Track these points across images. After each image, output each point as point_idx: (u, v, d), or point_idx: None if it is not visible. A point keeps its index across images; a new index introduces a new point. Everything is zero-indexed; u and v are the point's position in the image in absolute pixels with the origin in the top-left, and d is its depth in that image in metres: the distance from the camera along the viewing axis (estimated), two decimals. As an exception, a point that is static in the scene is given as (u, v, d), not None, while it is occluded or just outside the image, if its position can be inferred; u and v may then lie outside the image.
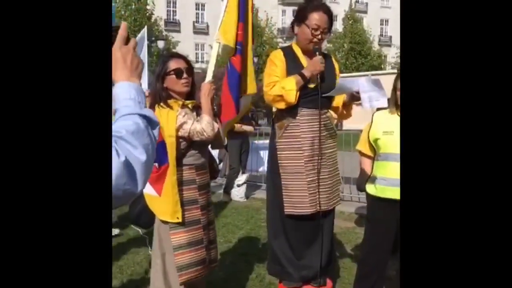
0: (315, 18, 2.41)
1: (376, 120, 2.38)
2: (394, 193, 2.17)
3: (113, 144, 0.75)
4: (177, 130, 2.01)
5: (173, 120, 2.00)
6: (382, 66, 29.68)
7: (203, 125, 2.02)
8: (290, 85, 2.37)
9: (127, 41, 0.95)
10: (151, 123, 0.86)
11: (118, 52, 0.93)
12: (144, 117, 0.85)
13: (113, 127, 0.81)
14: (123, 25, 0.95)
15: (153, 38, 21.88)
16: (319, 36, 2.43)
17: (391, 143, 2.23)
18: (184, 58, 2.19)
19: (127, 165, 0.74)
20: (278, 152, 2.56)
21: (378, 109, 2.78)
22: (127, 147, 0.76)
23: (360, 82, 2.38)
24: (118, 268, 3.30)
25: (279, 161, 2.55)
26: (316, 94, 2.43)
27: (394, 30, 36.61)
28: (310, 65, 2.41)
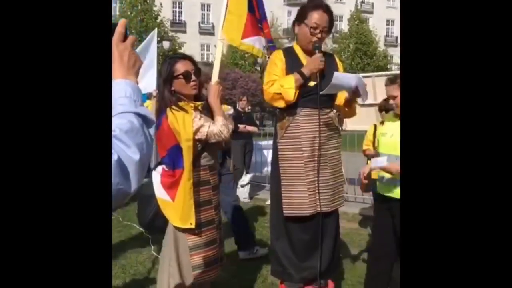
0: (315, 17, 2.40)
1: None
2: (386, 190, 2.33)
3: None
4: (194, 133, 2.00)
5: (190, 124, 1.98)
6: (388, 67, 29.51)
7: (219, 127, 2.03)
8: (289, 83, 2.35)
9: (124, 38, 0.92)
10: (146, 121, 0.84)
11: (115, 49, 0.90)
12: (139, 115, 0.83)
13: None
14: (121, 22, 0.92)
15: (159, 39, 21.91)
16: (319, 35, 2.41)
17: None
18: (190, 59, 2.13)
19: (120, 165, 0.73)
20: (279, 153, 2.54)
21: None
22: (120, 146, 0.75)
23: (358, 77, 2.39)
24: (121, 267, 3.30)
25: (279, 162, 2.53)
26: (316, 93, 2.41)
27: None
28: (310, 63, 2.39)
